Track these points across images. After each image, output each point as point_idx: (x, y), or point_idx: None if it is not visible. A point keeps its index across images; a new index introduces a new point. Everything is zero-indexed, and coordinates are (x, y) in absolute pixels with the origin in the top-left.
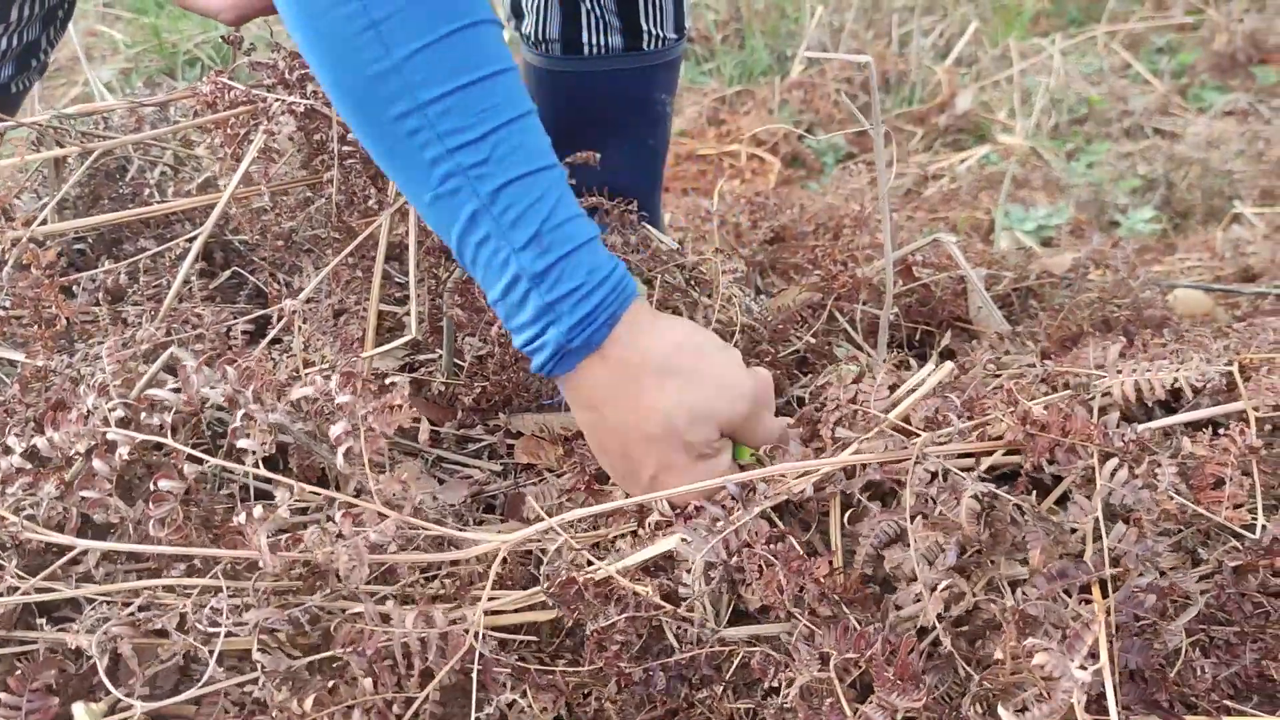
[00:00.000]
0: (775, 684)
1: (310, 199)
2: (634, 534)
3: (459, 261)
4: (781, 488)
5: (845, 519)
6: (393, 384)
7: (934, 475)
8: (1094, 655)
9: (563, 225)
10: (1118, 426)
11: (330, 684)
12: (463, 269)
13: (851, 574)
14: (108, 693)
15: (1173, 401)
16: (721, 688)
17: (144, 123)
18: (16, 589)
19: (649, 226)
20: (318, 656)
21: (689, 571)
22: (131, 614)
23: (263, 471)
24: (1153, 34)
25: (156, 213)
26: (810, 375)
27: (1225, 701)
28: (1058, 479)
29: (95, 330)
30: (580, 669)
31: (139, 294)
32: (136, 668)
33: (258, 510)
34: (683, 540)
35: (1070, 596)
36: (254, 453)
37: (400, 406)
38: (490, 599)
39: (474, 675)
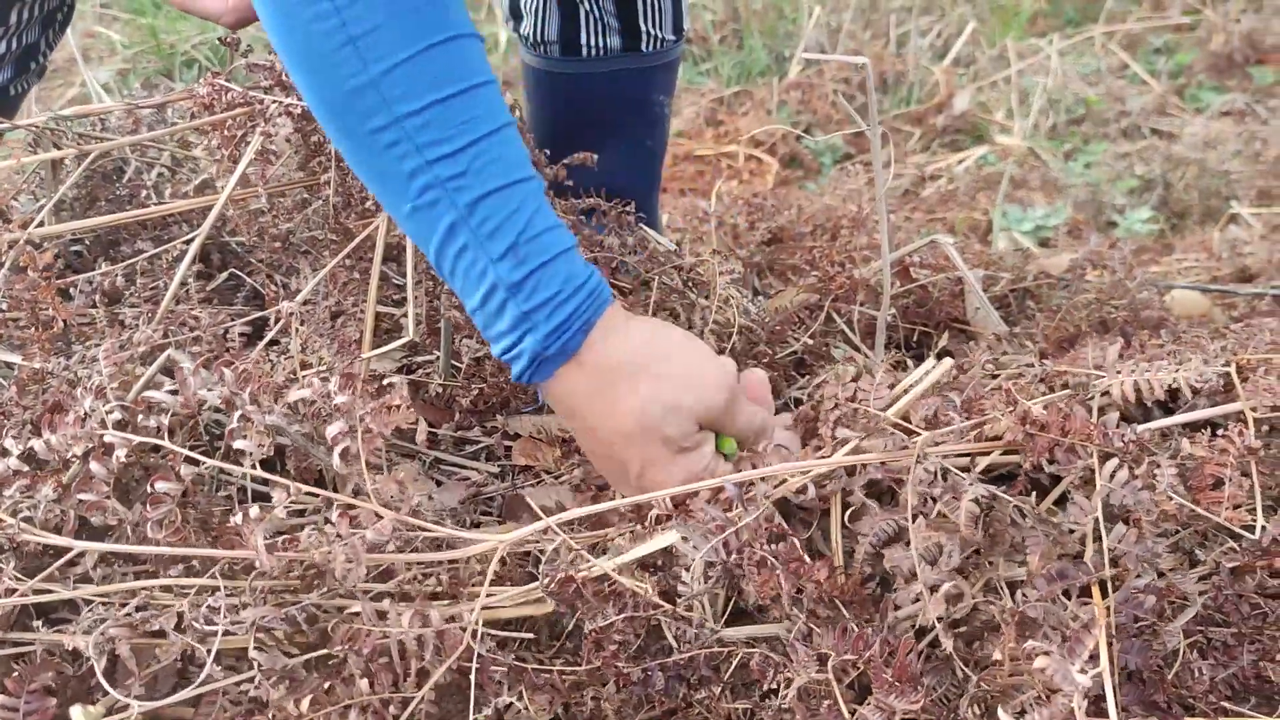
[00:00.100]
0: (774, 685)
1: (307, 200)
2: (632, 532)
3: (437, 272)
4: (782, 487)
5: (845, 518)
6: (391, 384)
7: (934, 475)
8: (1094, 658)
9: (539, 236)
10: (1117, 427)
11: (327, 684)
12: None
13: (851, 574)
14: (106, 694)
15: (1170, 402)
16: (720, 688)
17: (141, 124)
18: (14, 591)
19: (646, 228)
20: (314, 654)
21: (688, 569)
22: (128, 615)
23: (260, 473)
24: (1150, 34)
25: (154, 214)
26: (808, 377)
27: (1223, 703)
28: (1056, 479)
29: (92, 332)
30: (578, 669)
31: (136, 296)
32: (134, 668)
33: (254, 511)
34: (682, 538)
35: (1070, 598)
36: (251, 454)
37: (399, 406)
38: (487, 594)
39: (472, 674)
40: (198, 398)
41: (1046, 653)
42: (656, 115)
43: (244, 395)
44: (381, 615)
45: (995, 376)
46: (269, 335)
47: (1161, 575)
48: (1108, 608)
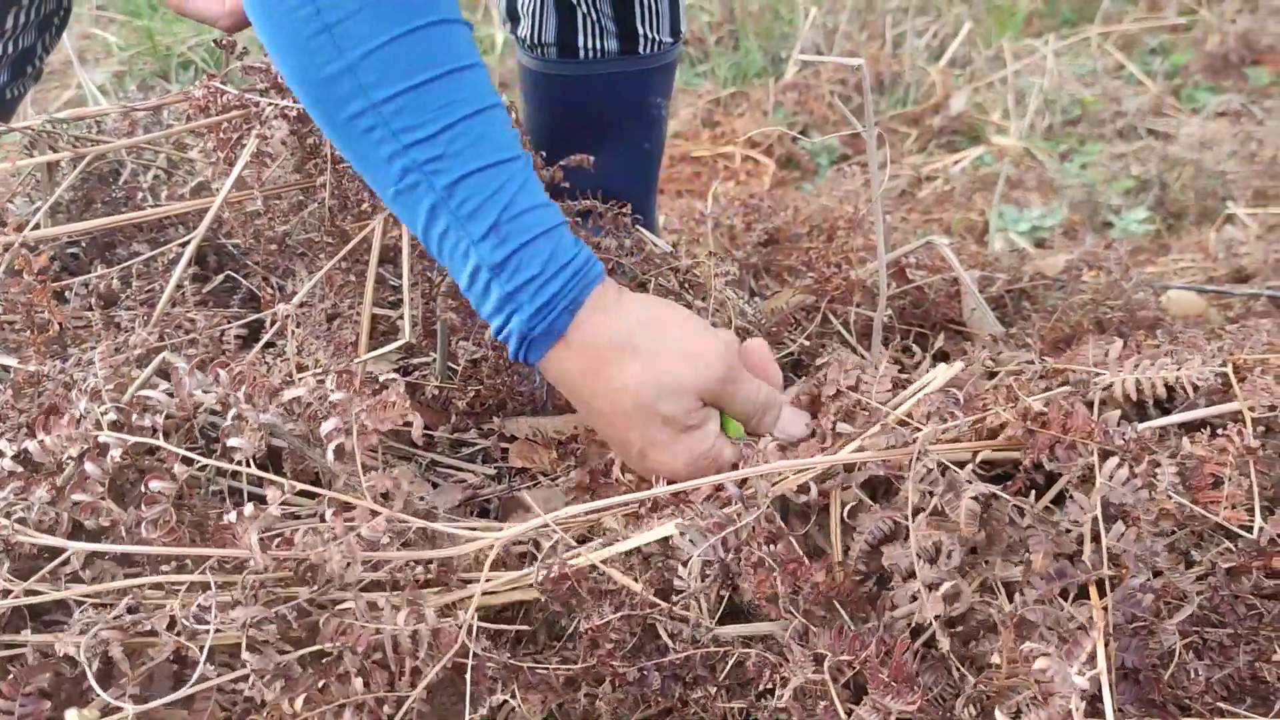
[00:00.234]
0: (769, 684)
1: (303, 203)
2: (634, 515)
3: (427, 251)
4: (781, 485)
5: (845, 514)
6: (387, 382)
7: (931, 471)
8: (1092, 659)
9: (521, 216)
10: (1118, 425)
11: (321, 683)
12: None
13: (848, 569)
14: (99, 696)
15: (1167, 402)
16: (715, 688)
17: (137, 127)
18: (8, 592)
19: (643, 229)
20: (307, 650)
21: (684, 564)
22: (119, 616)
23: (254, 471)
24: (1146, 35)
25: (150, 217)
26: (805, 378)
27: (1219, 703)
28: (1052, 478)
29: (88, 335)
30: (573, 667)
31: (132, 298)
32: (127, 669)
33: (248, 509)
34: (679, 533)
35: (1067, 597)
36: (244, 450)
37: (393, 403)
38: (485, 579)
39: (468, 669)
40: (193, 399)
41: (1045, 654)
42: (654, 117)
43: (239, 395)
44: (373, 607)
45: (994, 375)
46: (265, 338)
47: (1159, 574)
48: (1105, 607)
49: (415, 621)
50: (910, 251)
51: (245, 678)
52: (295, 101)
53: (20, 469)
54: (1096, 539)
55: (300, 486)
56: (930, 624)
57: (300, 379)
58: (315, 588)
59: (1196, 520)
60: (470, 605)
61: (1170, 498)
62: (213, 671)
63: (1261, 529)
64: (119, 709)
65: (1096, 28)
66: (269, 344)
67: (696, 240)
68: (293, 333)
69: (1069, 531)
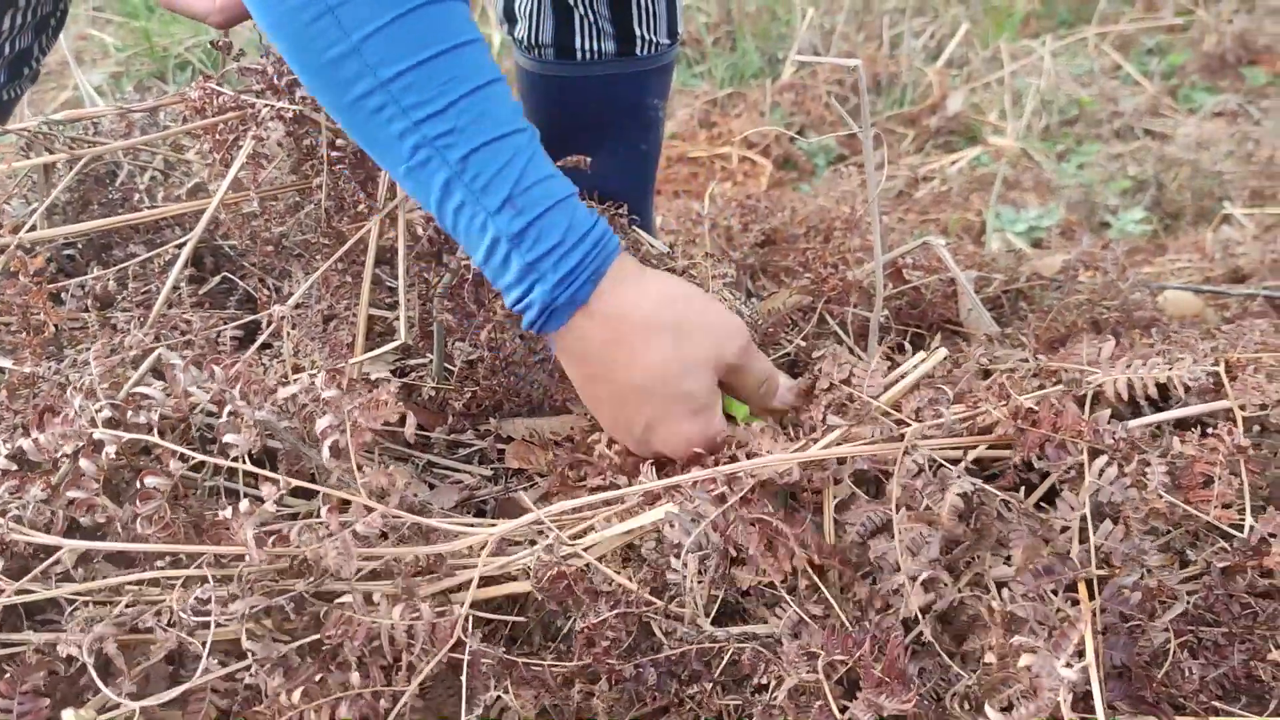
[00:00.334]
0: (764, 680)
1: (300, 204)
2: (627, 511)
3: (442, 227)
4: (768, 469)
5: (834, 508)
6: (381, 381)
7: (920, 469)
8: (1080, 653)
9: (534, 186)
10: (1108, 423)
11: (319, 675)
12: (454, 273)
13: (842, 545)
14: (97, 693)
15: (1160, 400)
16: (711, 684)
17: (134, 128)
18: (2, 591)
19: (640, 230)
20: (305, 640)
21: (678, 554)
22: (119, 614)
23: (250, 467)
24: (1143, 35)
25: (146, 218)
26: (801, 379)
27: (1213, 702)
28: (1044, 475)
29: (84, 337)
30: (568, 664)
31: (128, 300)
32: (124, 666)
33: (244, 504)
34: (669, 517)
35: (1056, 594)
36: (239, 447)
37: (387, 402)
38: (483, 564)
39: (463, 665)
40: (188, 396)
41: (1033, 649)
42: (651, 118)
43: (234, 391)
44: (368, 599)
45: (989, 374)
46: (261, 339)
47: (1150, 573)
48: (1094, 606)
49: (411, 615)
50: (907, 252)
51: (243, 671)
52: (291, 103)
53: (15, 467)
54: (1087, 537)
55: (296, 484)
56: (919, 619)
57: (295, 378)
58: (311, 579)
59: (1189, 519)
60: (465, 594)
61: (1160, 496)
62: (213, 664)
63: (1253, 528)
64: (115, 706)
65: (1093, 28)
66: (265, 345)
67: (693, 241)
68: (289, 334)
69: (1064, 531)
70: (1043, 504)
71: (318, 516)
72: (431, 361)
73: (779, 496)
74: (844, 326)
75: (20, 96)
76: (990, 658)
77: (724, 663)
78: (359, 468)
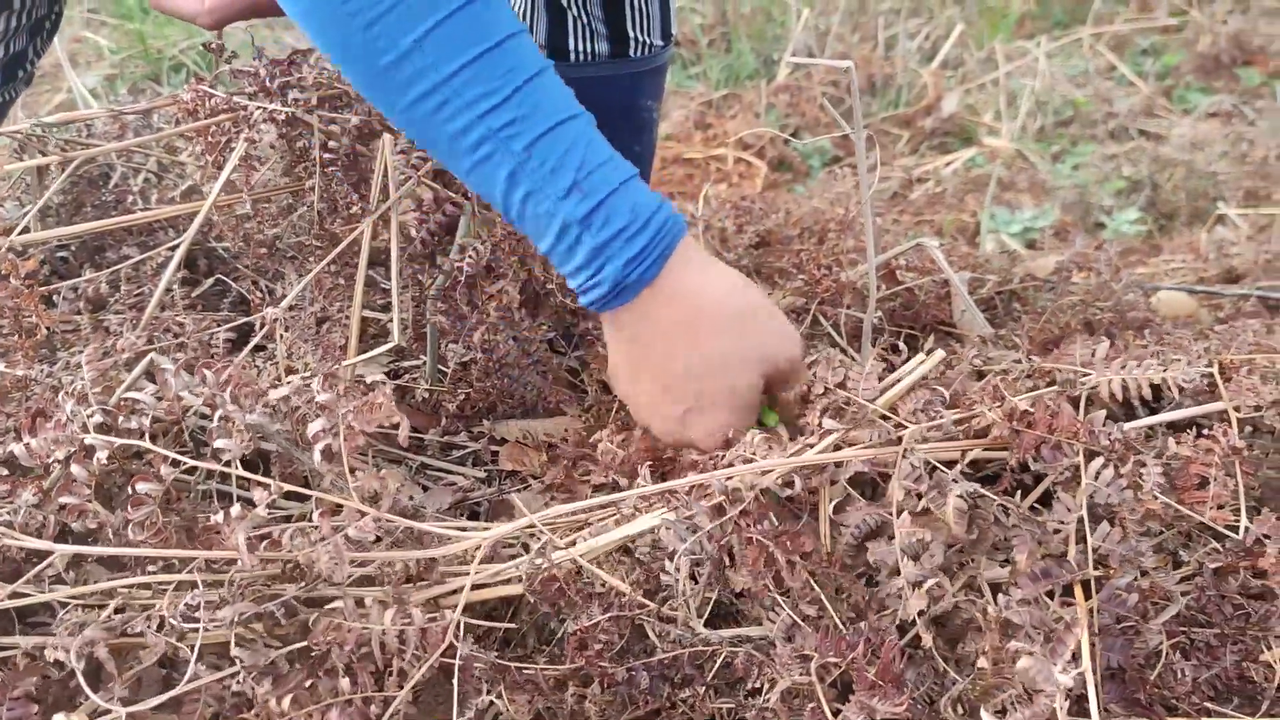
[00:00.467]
0: (758, 684)
1: (293, 206)
2: (623, 517)
3: (506, 219)
4: (767, 477)
5: (831, 510)
6: (375, 383)
7: (920, 471)
8: (1076, 658)
9: (598, 169)
10: (1103, 425)
11: (309, 681)
12: (447, 275)
13: (837, 559)
14: (88, 698)
15: (1154, 402)
16: (703, 687)
17: (127, 130)
18: None
19: None
20: (295, 646)
21: (671, 557)
22: (107, 617)
23: (242, 472)
24: (1137, 36)
25: (139, 221)
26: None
27: (1206, 703)
28: (1039, 478)
29: (77, 339)
30: (561, 668)
31: (121, 302)
32: (114, 670)
33: (235, 509)
34: (666, 524)
35: (1053, 597)
36: (230, 451)
37: (380, 405)
38: (475, 571)
39: (455, 672)
40: (180, 400)
41: (1029, 654)
42: (645, 120)
43: (225, 395)
44: (360, 604)
45: (982, 376)
46: (254, 341)
47: (1145, 574)
48: (1091, 607)
49: (402, 620)
50: (900, 253)
51: (234, 676)
52: (284, 105)
53: (6, 471)
54: (1082, 539)
55: (288, 488)
56: (914, 622)
57: (288, 381)
58: (303, 584)
59: (1183, 520)
60: (458, 600)
61: (1156, 498)
62: (205, 670)
63: (1247, 529)
64: (107, 712)
65: (1088, 29)
66: (258, 347)
67: None
68: (282, 336)
69: (1057, 532)
70: (1037, 506)
71: (310, 520)
72: (425, 363)
73: (773, 497)
74: (837, 328)
75: (15, 99)
76: (984, 662)
77: (717, 665)
78: (352, 471)
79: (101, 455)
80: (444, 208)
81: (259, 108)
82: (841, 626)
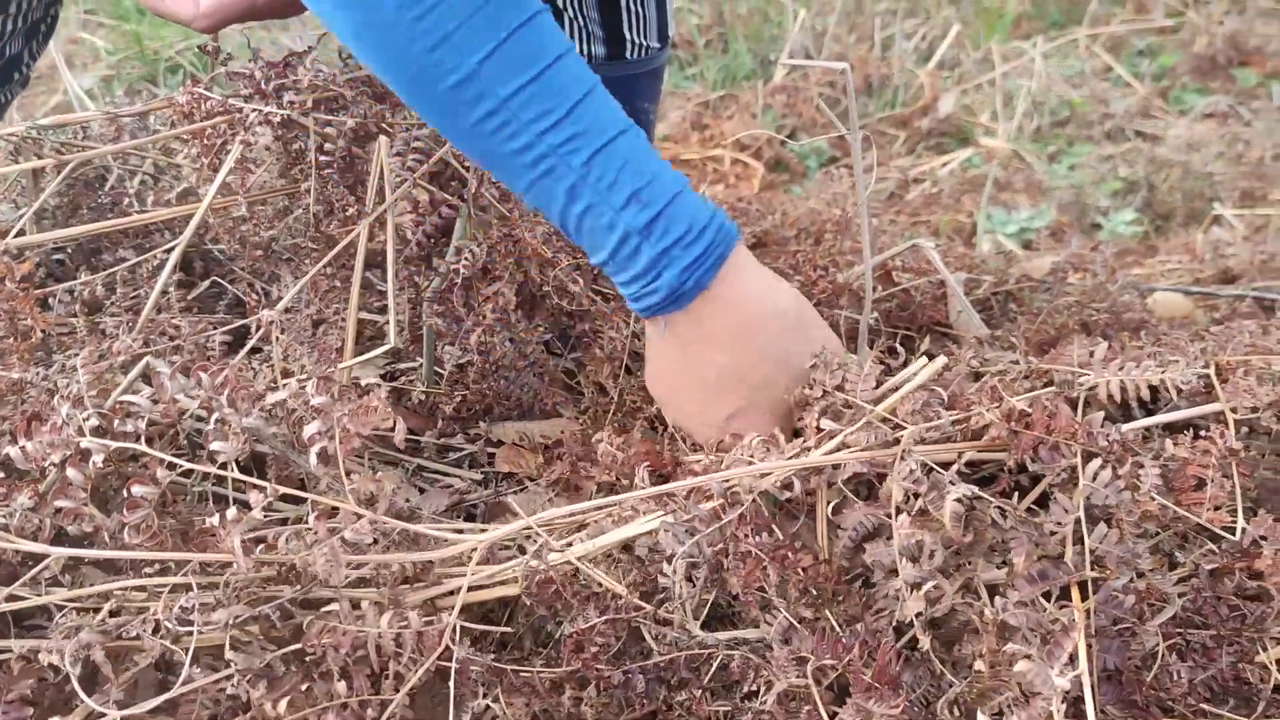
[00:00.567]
0: (754, 687)
1: (289, 208)
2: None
3: (564, 233)
4: (766, 479)
5: (829, 511)
6: (371, 386)
7: (917, 472)
8: (1073, 660)
9: (654, 180)
10: (1102, 426)
11: (305, 685)
12: (444, 277)
13: (834, 562)
14: (83, 701)
15: (1150, 403)
16: (700, 690)
17: (123, 132)
18: None
19: None
20: (291, 649)
21: (669, 560)
22: (102, 621)
23: (238, 475)
24: (1134, 37)
25: (135, 223)
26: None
27: (1202, 705)
28: (1036, 479)
29: (72, 342)
30: (557, 670)
31: (117, 305)
32: (110, 674)
33: (231, 513)
34: (664, 526)
35: (1050, 599)
36: (226, 454)
37: (375, 407)
38: (471, 573)
39: (451, 674)
40: (176, 403)
41: (1026, 656)
42: (641, 122)
43: (221, 398)
44: (355, 606)
45: (979, 377)
46: (250, 343)
47: (1141, 575)
48: (1088, 609)
49: (399, 623)
50: (897, 254)
51: (229, 678)
52: (279, 107)
53: (1, 475)
54: (1079, 541)
55: (284, 491)
56: (912, 624)
57: (284, 384)
58: (299, 587)
59: (1180, 522)
60: (454, 602)
61: (1153, 499)
62: (198, 673)
63: (1244, 530)
64: (103, 715)
65: (1084, 29)
66: (254, 350)
67: None
68: (278, 339)
69: (1054, 533)
70: (1034, 507)
71: (306, 523)
72: (421, 365)
73: (771, 499)
74: (834, 329)
75: (10, 102)
76: (981, 664)
77: (713, 668)
78: (348, 474)
79: (97, 458)
80: (440, 210)
81: (255, 110)
82: (838, 629)
